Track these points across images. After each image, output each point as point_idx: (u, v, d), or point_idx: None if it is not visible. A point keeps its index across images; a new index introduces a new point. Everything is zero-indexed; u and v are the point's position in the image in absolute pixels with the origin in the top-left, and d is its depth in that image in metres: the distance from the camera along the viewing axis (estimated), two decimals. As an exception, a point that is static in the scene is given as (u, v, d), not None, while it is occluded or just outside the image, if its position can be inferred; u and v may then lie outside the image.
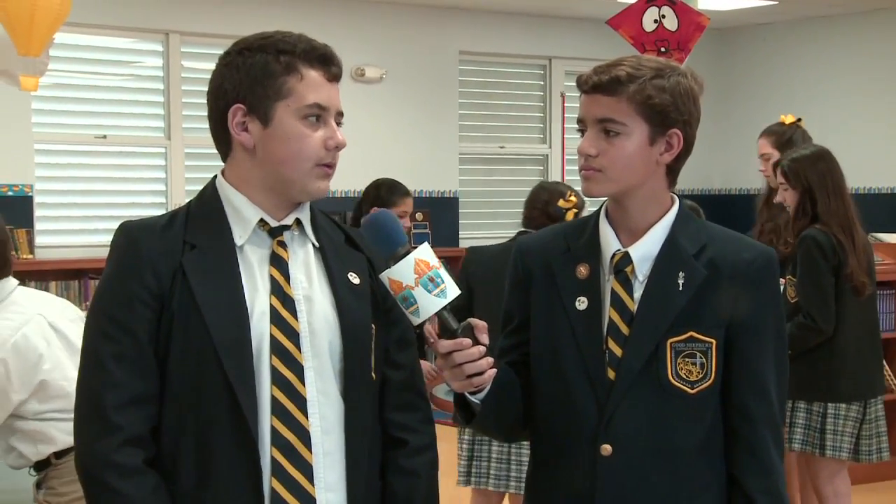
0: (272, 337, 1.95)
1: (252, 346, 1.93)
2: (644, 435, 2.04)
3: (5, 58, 4.53)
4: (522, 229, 4.19)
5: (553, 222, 3.93)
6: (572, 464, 2.09)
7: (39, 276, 7.09)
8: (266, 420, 1.93)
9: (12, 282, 3.21)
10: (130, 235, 1.99)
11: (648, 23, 5.92)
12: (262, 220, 2.00)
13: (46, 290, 6.27)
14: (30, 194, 7.39)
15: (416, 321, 1.93)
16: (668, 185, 2.13)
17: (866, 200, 7.87)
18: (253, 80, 1.95)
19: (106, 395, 1.91)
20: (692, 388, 2.05)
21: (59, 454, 3.13)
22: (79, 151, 7.81)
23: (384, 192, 4.89)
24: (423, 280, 1.90)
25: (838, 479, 4.37)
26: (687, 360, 2.05)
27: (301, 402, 1.95)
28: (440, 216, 8.81)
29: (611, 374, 2.05)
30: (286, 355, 1.95)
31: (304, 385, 1.95)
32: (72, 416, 1.99)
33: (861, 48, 9.22)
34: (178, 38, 7.98)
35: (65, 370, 3.09)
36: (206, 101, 2.03)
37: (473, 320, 1.96)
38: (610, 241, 2.11)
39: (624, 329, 2.06)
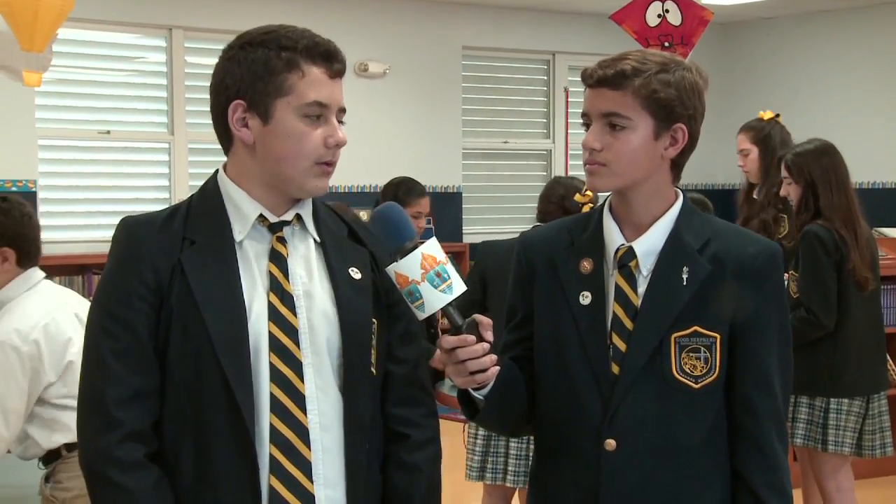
0: (270, 334, 1.94)
1: (249, 343, 1.92)
2: (648, 430, 2.04)
3: (9, 53, 4.53)
4: (537, 224, 4.19)
5: None
6: (576, 459, 2.09)
7: (43, 271, 7.07)
8: (265, 418, 1.92)
9: (40, 272, 3.35)
10: (130, 231, 1.98)
11: (652, 17, 5.90)
12: (261, 216, 1.99)
13: (50, 285, 6.27)
14: (33, 190, 7.39)
15: (420, 316, 1.93)
16: (672, 179, 2.13)
17: (870, 195, 7.86)
18: (254, 76, 1.94)
19: (107, 390, 1.91)
20: (696, 383, 2.05)
21: (71, 447, 3.16)
22: (82, 147, 7.81)
23: (401, 191, 4.91)
24: (429, 275, 1.90)
25: (841, 474, 4.36)
26: (691, 354, 2.05)
27: (300, 399, 1.94)
28: (443, 211, 8.80)
29: (615, 369, 2.05)
30: (285, 352, 1.94)
31: (302, 382, 1.95)
32: None
33: (865, 42, 9.20)
34: (182, 33, 7.98)
35: None
36: (209, 96, 2.03)
37: (479, 317, 1.96)
38: (614, 236, 2.10)
39: (628, 324, 2.06)
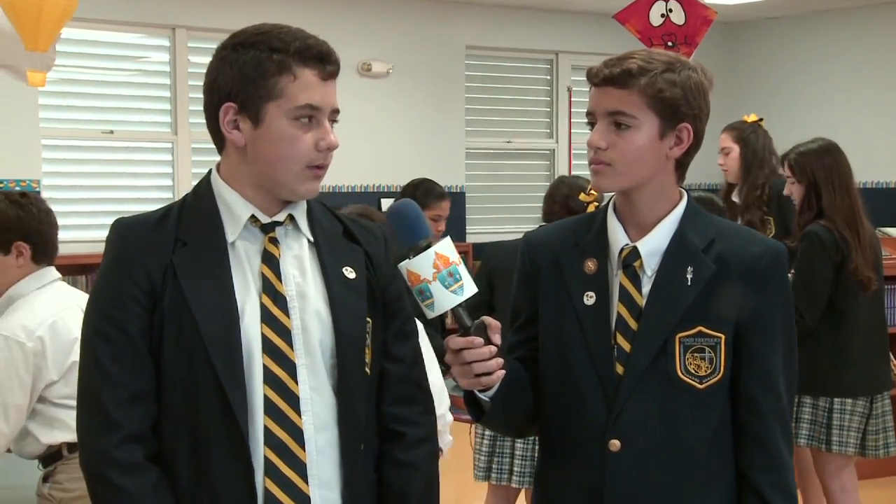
0: (263, 336, 1.93)
1: (242, 345, 1.91)
2: (652, 430, 2.04)
3: (12, 53, 4.53)
4: (543, 224, 4.18)
5: None
6: (581, 459, 2.09)
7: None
8: (259, 419, 1.92)
9: (54, 272, 3.35)
10: (121, 233, 1.98)
11: (655, 17, 5.90)
12: (253, 216, 1.98)
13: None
14: (37, 189, 7.39)
15: (430, 315, 1.93)
16: (676, 179, 2.12)
17: (874, 195, 7.85)
18: (245, 79, 1.93)
19: (104, 392, 1.91)
20: (701, 383, 2.05)
21: (72, 447, 3.15)
22: (86, 147, 7.81)
23: (420, 193, 4.86)
24: (441, 275, 1.89)
25: (845, 473, 4.36)
26: (696, 354, 2.05)
27: (293, 401, 1.93)
28: (446, 211, 8.79)
29: (619, 369, 2.05)
30: (278, 354, 1.93)
31: (296, 383, 1.94)
32: None
33: (869, 42, 9.19)
34: (185, 33, 7.98)
35: None
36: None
37: (487, 319, 1.95)
38: (618, 236, 2.10)
39: (632, 324, 2.06)
